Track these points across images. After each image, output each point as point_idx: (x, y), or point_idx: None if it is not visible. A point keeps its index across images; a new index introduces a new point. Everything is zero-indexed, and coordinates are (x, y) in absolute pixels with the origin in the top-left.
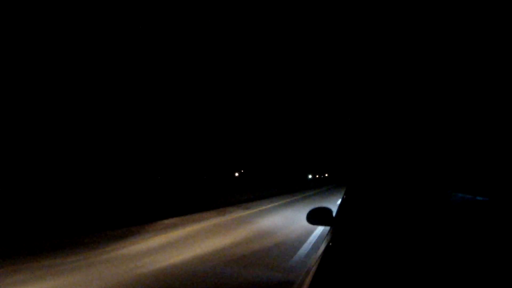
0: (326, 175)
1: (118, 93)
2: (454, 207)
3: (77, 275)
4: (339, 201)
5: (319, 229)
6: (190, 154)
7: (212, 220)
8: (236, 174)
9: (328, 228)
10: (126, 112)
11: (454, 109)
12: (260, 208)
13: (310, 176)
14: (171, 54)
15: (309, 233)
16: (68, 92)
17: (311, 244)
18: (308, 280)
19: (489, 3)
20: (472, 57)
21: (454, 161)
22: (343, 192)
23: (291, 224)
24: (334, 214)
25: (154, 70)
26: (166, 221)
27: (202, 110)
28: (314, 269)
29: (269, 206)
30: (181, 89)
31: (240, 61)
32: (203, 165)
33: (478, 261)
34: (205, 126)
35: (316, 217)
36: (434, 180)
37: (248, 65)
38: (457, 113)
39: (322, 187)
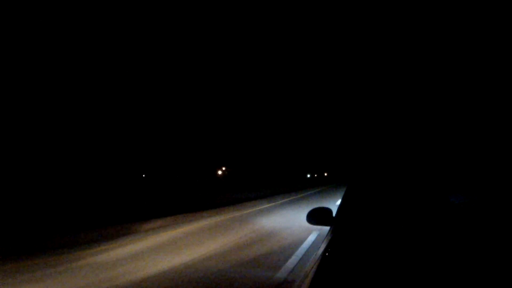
0: (326, 174)
1: (93, 89)
2: (453, 208)
3: (48, 285)
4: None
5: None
6: (176, 149)
7: (202, 222)
8: (219, 172)
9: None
10: (105, 109)
11: (454, 111)
12: (252, 210)
13: (308, 176)
14: (148, 49)
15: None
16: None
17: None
18: (308, 280)
19: (489, 3)
20: (472, 58)
21: (454, 163)
22: (342, 192)
23: (285, 229)
24: (334, 214)
25: (132, 68)
26: (153, 222)
27: (185, 102)
28: (314, 269)
29: (261, 207)
30: (158, 81)
31: (234, 55)
32: (185, 161)
33: (477, 262)
34: (189, 120)
35: (316, 217)
36: (434, 181)
37: (243, 60)
38: (457, 114)
39: (321, 186)
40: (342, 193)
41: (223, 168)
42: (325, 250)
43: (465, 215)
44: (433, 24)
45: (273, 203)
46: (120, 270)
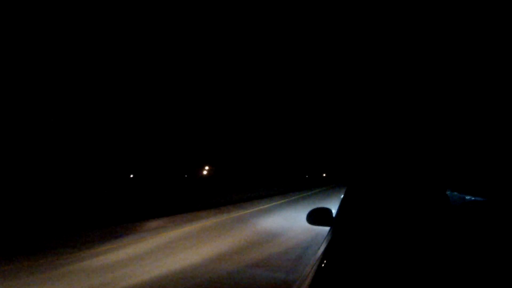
0: (324, 175)
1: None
2: (453, 207)
3: None
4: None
5: None
6: (161, 147)
7: (200, 223)
8: (205, 172)
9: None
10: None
11: (453, 110)
12: (250, 211)
13: (307, 176)
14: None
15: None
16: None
17: None
18: (308, 280)
19: (489, 3)
20: (472, 57)
21: (453, 162)
22: (340, 194)
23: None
24: (334, 214)
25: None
26: (152, 223)
27: (169, 96)
28: (314, 269)
29: (260, 208)
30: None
31: (223, 48)
32: (170, 160)
33: (476, 261)
34: (173, 116)
35: (316, 217)
36: (433, 180)
37: (237, 53)
38: (456, 113)
39: (321, 187)
40: (341, 195)
41: (206, 167)
42: (325, 250)
43: (465, 215)
44: (432, 24)
45: (271, 204)
46: (120, 273)
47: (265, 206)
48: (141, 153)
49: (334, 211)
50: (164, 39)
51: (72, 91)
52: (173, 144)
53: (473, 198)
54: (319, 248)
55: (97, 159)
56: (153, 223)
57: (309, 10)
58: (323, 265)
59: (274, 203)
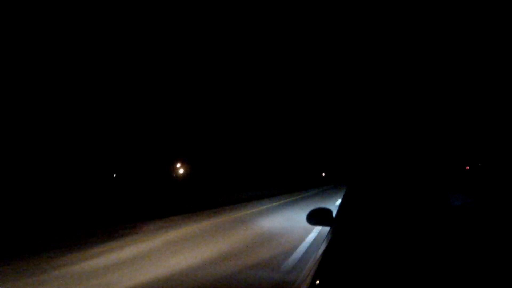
0: (323, 174)
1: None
2: (454, 208)
3: None
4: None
5: None
6: (135, 145)
7: (196, 225)
8: (181, 171)
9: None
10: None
11: (453, 111)
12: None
13: (306, 176)
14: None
15: None
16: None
17: None
18: (308, 280)
19: (489, 3)
20: (472, 59)
21: (454, 162)
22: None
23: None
24: (334, 214)
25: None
26: (149, 225)
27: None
28: (314, 269)
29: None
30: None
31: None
32: (142, 157)
33: (477, 262)
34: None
35: (316, 217)
36: (434, 180)
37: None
38: (457, 114)
39: (320, 187)
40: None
41: (178, 165)
42: (325, 250)
43: (466, 216)
44: (433, 25)
45: (270, 205)
46: (116, 276)
47: (266, 206)
48: (123, 151)
49: (334, 211)
50: (135, 30)
51: (49, 89)
52: (159, 141)
53: (473, 199)
54: (319, 248)
55: (82, 158)
56: (146, 226)
57: (308, 9)
58: (323, 265)
59: (265, 207)
